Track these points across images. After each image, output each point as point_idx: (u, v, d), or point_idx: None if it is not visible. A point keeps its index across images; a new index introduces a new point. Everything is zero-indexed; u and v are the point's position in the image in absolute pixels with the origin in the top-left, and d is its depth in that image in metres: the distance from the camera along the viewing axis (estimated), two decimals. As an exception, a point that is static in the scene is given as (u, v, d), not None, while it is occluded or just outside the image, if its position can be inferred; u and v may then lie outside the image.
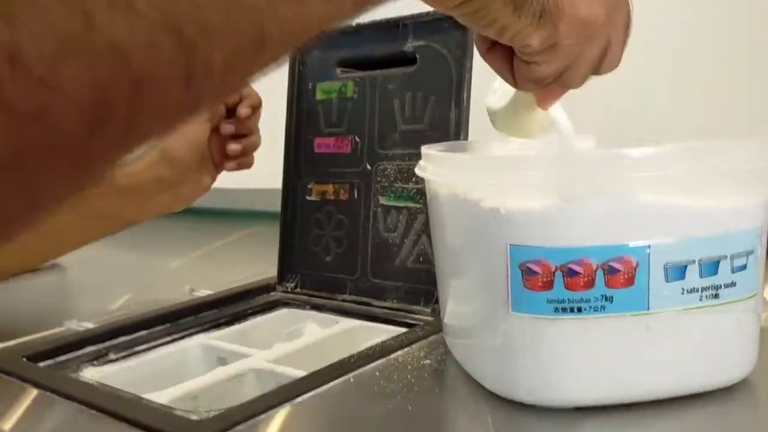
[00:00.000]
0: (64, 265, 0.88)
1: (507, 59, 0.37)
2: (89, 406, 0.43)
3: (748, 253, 0.37)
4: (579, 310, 0.36)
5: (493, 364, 0.40)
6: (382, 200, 0.64)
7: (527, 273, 0.36)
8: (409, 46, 0.61)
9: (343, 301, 0.66)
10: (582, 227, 0.35)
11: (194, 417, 0.40)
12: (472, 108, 0.58)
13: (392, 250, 0.63)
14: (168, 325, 0.61)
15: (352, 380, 0.44)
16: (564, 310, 0.36)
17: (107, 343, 0.56)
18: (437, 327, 0.53)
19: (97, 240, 0.67)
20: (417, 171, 0.45)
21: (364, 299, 0.64)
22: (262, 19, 0.19)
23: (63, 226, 0.64)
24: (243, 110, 0.65)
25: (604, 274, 0.35)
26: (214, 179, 0.70)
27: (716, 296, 0.37)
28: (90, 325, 0.60)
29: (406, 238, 0.62)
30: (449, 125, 0.59)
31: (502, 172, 0.36)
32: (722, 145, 0.36)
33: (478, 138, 0.59)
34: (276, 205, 0.73)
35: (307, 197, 0.70)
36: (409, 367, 0.46)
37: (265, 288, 0.70)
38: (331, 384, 0.44)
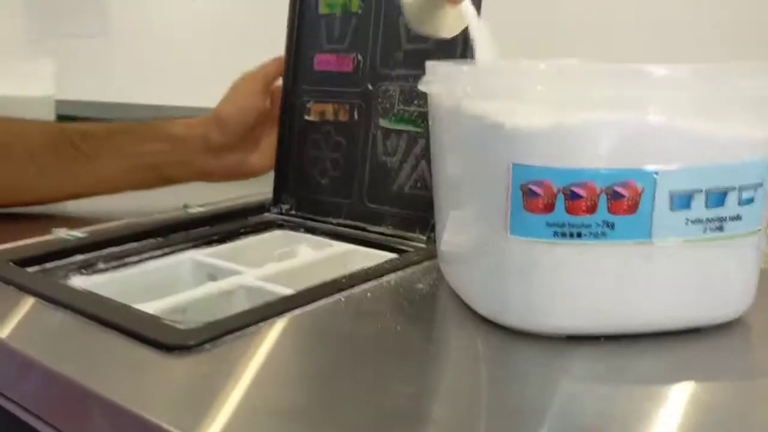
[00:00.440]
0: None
1: None
2: (76, 312, 0.42)
3: (757, 186, 0.36)
4: (579, 235, 0.35)
5: (486, 289, 0.39)
6: (383, 123, 0.62)
7: (529, 194, 0.35)
8: (418, -42, 0.58)
9: (338, 225, 0.65)
10: (589, 148, 0.34)
11: (181, 326, 0.40)
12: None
13: (390, 175, 0.62)
14: (160, 239, 0.60)
15: (342, 299, 0.43)
16: (563, 234, 0.35)
17: (96, 253, 0.55)
18: (431, 254, 0.52)
19: (133, 190, 0.68)
20: (420, 86, 0.43)
21: (359, 224, 0.63)
22: None
23: (105, 164, 0.65)
24: None
25: (608, 198, 0.34)
26: (262, 163, 0.71)
27: (720, 229, 0.36)
28: (80, 235, 0.59)
29: (405, 163, 0.61)
30: (456, 45, 0.57)
31: (510, 85, 0.35)
32: (743, 68, 0.35)
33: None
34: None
35: (306, 117, 0.68)
36: (401, 290, 0.45)
37: (259, 208, 0.69)
38: (321, 302, 0.43)
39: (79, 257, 0.55)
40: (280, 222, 0.67)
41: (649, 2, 0.64)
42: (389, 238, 0.60)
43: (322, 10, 0.66)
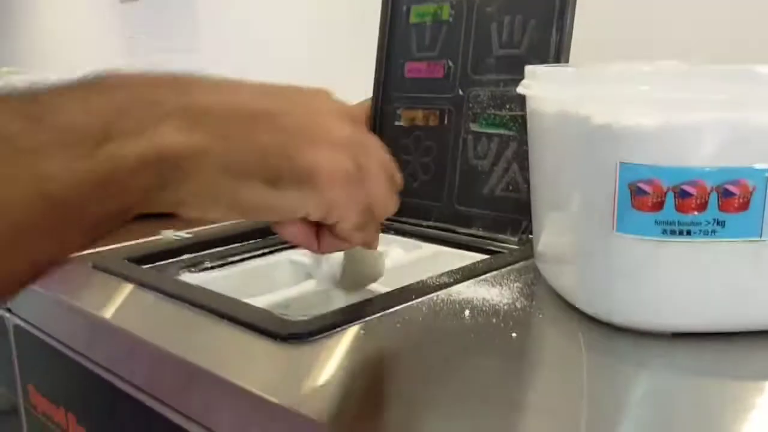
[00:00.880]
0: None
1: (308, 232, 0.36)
2: (193, 304, 0.45)
3: None
4: (688, 233, 0.35)
5: (589, 285, 0.40)
6: (474, 127, 0.63)
7: (637, 192, 0.35)
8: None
9: (428, 227, 0.66)
10: (698, 147, 0.34)
11: (291, 319, 0.42)
12: (575, 32, 0.56)
13: (481, 178, 0.63)
14: (259, 239, 0.63)
15: (440, 297, 0.45)
16: (673, 232, 0.35)
17: (203, 252, 0.59)
18: (526, 254, 0.53)
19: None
20: (520, 89, 0.44)
21: (449, 226, 0.64)
22: None
23: None
24: None
25: (719, 197, 0.34)
26: None
27: (836, 228, 0.35)
28: (186, 235, 0.62)
29: (496, 166, 0.62)
30: (549, 50, 0.57)
31: (616, 86, 0.35)
32: None
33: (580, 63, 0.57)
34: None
35: (396, 122, 0.70)
36: (499, 288, 0.46)
37: (350, 211, 0.71)
38: (420, 299, 0.44)
39: (187, 256, 0.58)
40: (370, 225, 0.69)
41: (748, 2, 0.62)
42: (479, 239, 0.61)
43: (413, 19, 0.68)
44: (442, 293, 0.45)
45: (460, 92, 0.64)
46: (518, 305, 0.43)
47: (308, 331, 0.39)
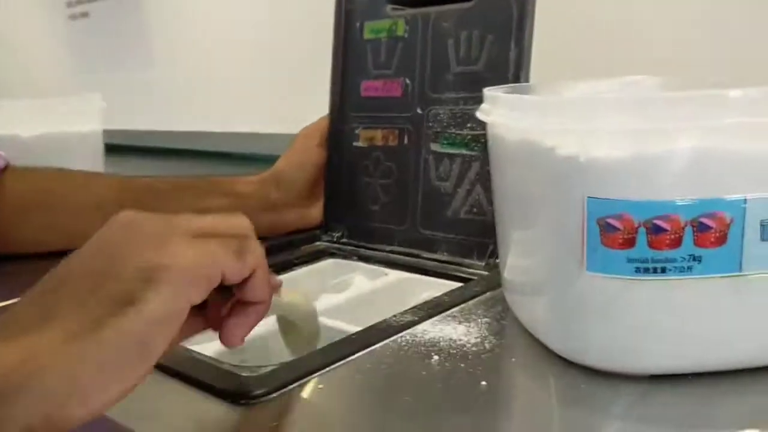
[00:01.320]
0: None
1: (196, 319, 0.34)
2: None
3: None
4: (663, 270, 0.33)
5: (560, 325, 0.38)
6: (434, 147, 0.61)
7: (606, 228, 0.33)
8: (467, -20, 0.57)
9: (391, 252, 0.63)
10: (670, 179, 0.32)
11: (245, 373, 0.39)
12: (534, 48, 0.54)
13: (444, 200, 0.60)
14: (213, 274, 0.59)
15: (405, 339, 0.42)
16: (646, 270, 0.33)
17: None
18: (494, 282, 0.50)
19: None
20: (479, 115, 0.42)
21: (414, 251, 0.62)
22: None
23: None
24: None
25: (694, 231, 0.32)
26: (322, 217, 0.70)
27: (816, 257, 0.33)
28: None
29: (459, 188, 0.59)
30: (508, 67, 0.55)
31: (582, 115, 0.33)
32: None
33: (540, 81, 0.55)
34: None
35: (355, 143, 0.67)
36: (465, 325, 0.44)
37: (310, 237, 0.68)
38: (383, 342, 0.42)
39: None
40: (332, 250, 0.66)
41: (715, 14, 0.61)
42: (445, 264, 0.59)
43: (367, 35, 0.65)
44: (406, 334, 0.42)
45: (419, 111, 0.62)
46: (487, 345, 0.40)
47: (263, 390, 0.36)
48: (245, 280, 0.33)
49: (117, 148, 1.17)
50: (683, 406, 0.33)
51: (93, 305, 0.27)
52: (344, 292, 0.57)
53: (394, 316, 0.45)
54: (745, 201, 0.32)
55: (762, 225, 0.32)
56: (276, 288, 0.38)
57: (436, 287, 0.56)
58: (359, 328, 0.45)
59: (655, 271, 0.33)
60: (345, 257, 0.65)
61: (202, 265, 0.30)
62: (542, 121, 0.34)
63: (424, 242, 0.61)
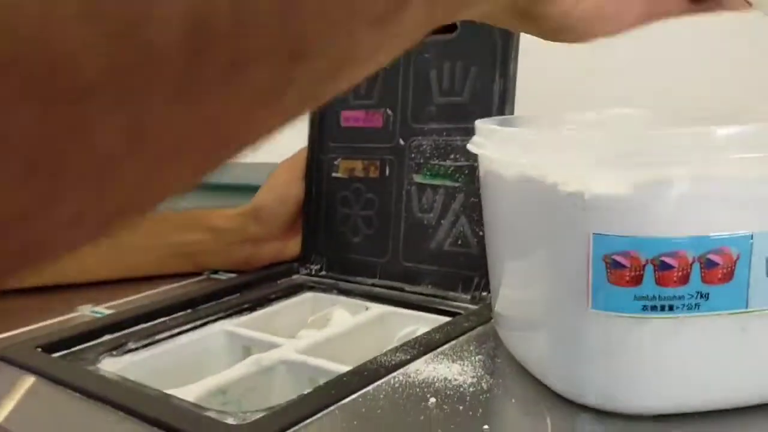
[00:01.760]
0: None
1: None
2: (114, 405, 0.39)
3: None
4: (671, 308, 0.32)
5: (561, 364, 0.36)
6: (417, 178, 0.60)
7: (613, 266, 0.32)
8: (452, 11, 0.57)
9: (373, 285, 0.62)
10: (677, 214, 0.31)
11: (231, 420, 0.37)
12: (518, 79, 0.53)
13: (427, 232, 0.59)
14: (189, 311, 0.57)
15: (398, 379, 0.40)
16: (654, 308, 0.32)
17: (126, 331, 0.52)
18: (483, 317, 0.49)
19: (163, 275, 0.66)
20: (471, 147, 0.41)
21: (396, 284, 0.60)
22: None
23: (138, 251, 0.63)
24: None
25: (701, 267, 0.31)
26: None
27: (818, 292, 0.33)
28: (106, 312, 0.56)
29: (443, 220, 0.58)
30: (492, 98, 0.55)
31: (584, 151, 0.32)
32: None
33: (525, 113, 0.54)
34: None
35: (334, 174, 0.66)
36: (458, 363, 0.42)
37: (288, 271, 0.66)
38: (376, 384, 0.40)
39: (108, 337, 0.51)
40: (310, 284, 0.64)
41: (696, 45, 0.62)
42: (429, 298, 0.58)
43: (349, 64, 0.64)
44: (399, 374, 0.41)
45: (401, 142, 0.61)
46: (484, 385, 0.39)
47: (252, 438, 0.34)
48: None
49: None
50: (692, 448, 0.33)
51: None
52: (325, 329, 0.55)
53: (385, 354, 0.43)
54: (751, 237, 0.31)
55: None
56: None
57: (421, 321, 0.55)
58: (345, 367, 0.43)
59: (662, 308, 0.32)
60: (324, 291, 0.63)
61: None
62: (542, 156, 0.33)
63: (407, 275, 0.60)
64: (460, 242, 0.57)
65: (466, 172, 0.57)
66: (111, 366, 0.48)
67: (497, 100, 0.55)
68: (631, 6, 0.32)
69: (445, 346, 0.45)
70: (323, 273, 0.65)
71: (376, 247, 0.62)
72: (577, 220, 0.32)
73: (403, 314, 0.57)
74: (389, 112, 0.62)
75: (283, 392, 0.47)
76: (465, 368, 0.41)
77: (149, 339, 0.52)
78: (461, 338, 0.46)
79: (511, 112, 0.55)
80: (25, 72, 0.11)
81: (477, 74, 0.56)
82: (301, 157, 0.68)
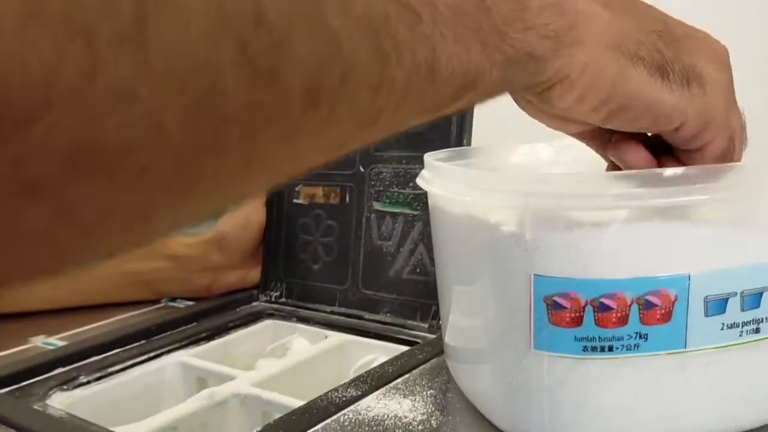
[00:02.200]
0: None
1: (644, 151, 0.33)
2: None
3: (792, 283, 0.34)
4: (610, 349, 0.32)
5: (506, 402, 0.36)
6: (377, 205, 0.60)
7: (553, 307, 0.32)
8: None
9: (332, 313, 0.61)
10: (615, 256, 0.32)
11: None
12: (476, 110, 0.54)
13: (386, 260, 0.59)
14: (143, 341, 0.56)
15: (348, 417, 0.40)
16: (594, 349, 0.32)
17: (78, 364, 0.51)
18: (438, 347, 0.49)
19: (122, 302, 0.65)
20: (419, 182, 0.41)
21: (355, 312, 0.60)
22: (435, 51, 0.20)
23: (95, 279, 0.63)
24: None
25: (640, 309, 0.32)
26: None
27: (757, 330, 0.33)
28: (59, 343, 0.55)
29: (402, 247, 0.58)
30: (451, 128, 0.55)
31: (525, 191, 0.32)
32: (764, 165, 0.33)
33: (482, 142, 0.55)
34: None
35: (295, 200, 0.66)
36: (410, 399, 0.42)
37: (247, 298, 0.66)
38: (326, 422, 0.40)
39: (60, 370, 0.50)
40: (270, 311, 0.64)
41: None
42: (388, 326, 0.57)
43: (308, 92, 0.64)
44: (349, 411, 0.41)
45: (361, 169, 0.61)
46: (434, 423, 0.39)
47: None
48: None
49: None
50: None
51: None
52: (284, 358, 0.55)
53: (336, 390, 0.43)
54: (689, 278, 0.32)
55: (706, 301, 0.32)
56: None
57: (380, 350, 0.55)
58: (299, 402, 0.43)
59: (602, 349, 0.32)
60: (284, 318, 0.63)
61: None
62: (485, 195, 0.34)
63: (366, 303, 0.60)
64: (418, 270, 0.57)
65: (425, 200, 0.57)
66: (60, 402, 0.47)
67: (455, 129, 0.55)
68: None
69: (398, 380, 0.45)
70: (283, 300, 0.65)
71: (335, 275, 0.62)
72: (519, 261, 0.32)
73: (361, 343, 0.57)
74: (349, 139, 0.62)
75: (236, 428, 0.47)
76: (416, 404, 0.41)
77: (101, 372, 0.51)
78: (414, 371, 0.46)
79: (469, 142, 0.55)
80: (189, 97, 0.14)
81: (434, 103, 0.56)
82: None
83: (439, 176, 0.39)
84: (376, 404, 0.41)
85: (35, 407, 0.45)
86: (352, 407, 0.41)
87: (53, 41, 0.11)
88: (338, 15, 0.16)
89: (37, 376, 0.50)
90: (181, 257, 0.66)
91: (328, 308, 0.62)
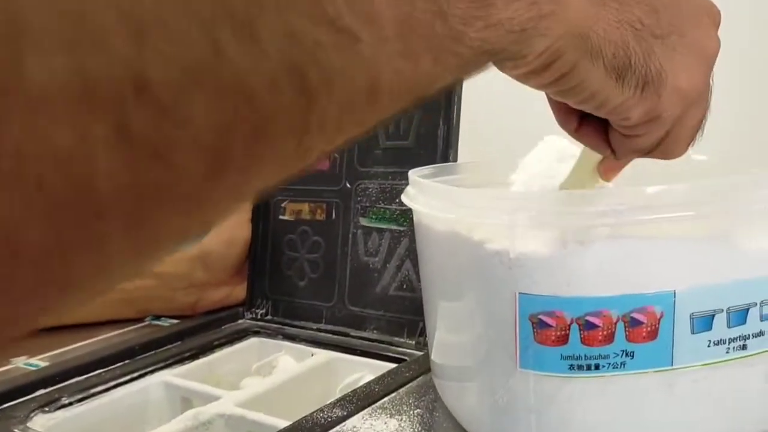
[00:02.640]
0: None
1: (601, 132, 0.32)
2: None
3: (778, 299, 0.34)
4: (596, 367, 0.32)
5: (493, 421, 0.36)
6: (363, 221, 0.60)
7: (539, 325, 0.32)
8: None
9: (318, 330, 0.61)
10: (600, 274, 0.31)
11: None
12: (462, 126, 0.54)
13: (373, 276, 0.59)
14: (127, 361, 0.55)
15: (335, 436, 0.39)
16: (580, 367, 0.32)
17: (61, 385, 0.51)
18: (424, 365, 0.49)
19: (106, 320, 0.64)
20: (404, 199, 0.41)
21: (342, 329, 0.60)
22: (378, 73, 0.17)
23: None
24: None
25: (626, 326, 0.31)
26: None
27: (744, 347, 0.33)
28: (41, 364, 0.54)
29: (389, 264, 0.58)
30: (437, 143, 0.55)
31: (511, 210, 0.32)
32: (749, 181, 0.33)
33: (468, 158, 0.55)
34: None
35: (281, 216, 0.65)
36: (396, 418, 0.41)
37: (233, 315, 0.65)
38: (313, 441, 0.39)
39: (42, 392, 0.50)
40: (255, 329, 0.63)
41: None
42: (374, 343, 0.57)
43: (294, 108, 0.64)
44: (336, 430, 0.40)
45: (348, 185, 0.61)
46: (419, 442, 0.38)
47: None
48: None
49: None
50: None
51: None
52: (269, 377, 0.54)
53: (322, 410, 0.42)
54: (674, 294, 0.31)
55: (692, 318, 0.32)
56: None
57: (366, 368, 0.54)
58: (284, 422, 0.42)
59: (588, 368, 0.32)
60: (269, 336, 0.62)
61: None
62: (469, 212, 0.33)
63: (353, 320, 0.59)
64: (405, 286, 0.57)
65: (411, 216, 0.57)
66: (42, 424, 0.46)
67: (441, 144, 0.55)
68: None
69: (385, 399, 0.44)
70: (269, 317, 0.64)
71: (321, 291, 0.62)
72: (504, 279, 0.32)
73: (348, 361, 0.56)
74: (336, 155, 0.61)
75: (220, 448, 0.46)
76: (402, 424, 0.41)
77: (84, 393, 0.50)
78: (401, 390, 0.46)
79: (455, 158, 0.55)
80: (49, 195, 0.11)
81: (421, 119, 0.56)
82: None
83: (423, 193, 0.38)
84: (362, 424, 0.41)
85: (16, 430, 0.44)
86: (337, 428, 0.40)
87: None
88: (246, 58, 0.14)
89: (19, 398, 0.49)
90: (164, 275, 0.66)
91: (315, 325, 0.61)
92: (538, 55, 0.25)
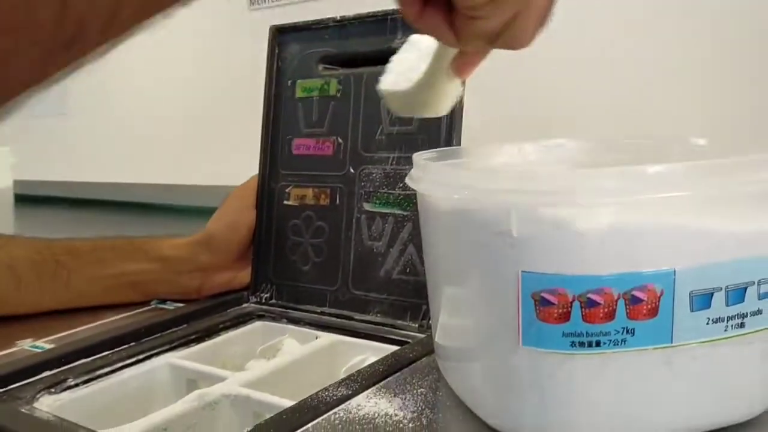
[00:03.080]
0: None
1: (444, 17, 0.32)
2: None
3: (776, 278, 0.34)
4: (598, 344, 0.32)
5: (495, 398, 0.37)
6: (367, 206, 0.60)
7: (541, 303, 0.32)
8: (398, 42, 0.57)
9: (322, 314, 0.61)
10: (601, 252, 0.32)
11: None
12: (465, 110, 0.54)
13: (376, 260, 0.59)
14: (133, 343, 0.56)
15: (338, 416, 0.40)
16: (581, 344, 0.32)
17: (66, 367, 0.51)
18: (428, 346, 0.49)
19: (112, 304, 0.64)
20: (408, 182, 0.41)
21: (345, 312, 0.60)
22: None
23: (83, 281, 0.62)
24: None
25: (626, 304, 0.32)
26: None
27: (742, 325, 0.34)
28: (46, 346, 0.54)
29: (392, 248, 0.58)
30: (440, 128, 0.55)
31: (512, 189, 0.32)
32: (748, 162, 0.33)
33: (471, 142, 0.55)
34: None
35: (285, 201, 0.66)
36: (400, 397, 0.42)
37: (237, 299, 0.66)
38: (316, 421, 0.40)
39: (48, 373, 0.50)
40: (260, 312, 0.64)
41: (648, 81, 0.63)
42: (378, 326, 0.58)
43: (299, 94, 0.64)
44: (340, 410, 0.41)
45: (351, 170, 0.61)
46: (424, 420, 0.39)
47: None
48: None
49: (28, 199, 1.12)
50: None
51: None
52: (274, 359, 0.55)
53: (327, 389, 0.43)
54: (674, 273, 0.32)
55: (691, 296, 0.32)
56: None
57: (370, 350, 0.55)
58: (290, 402, 0.43)
59: (590, 345, 0.32)
60: (274, 319, 0.63)
61: None
62: (473, 193, 0.34)
63: (357, 303, 0.60)
64: (408, 270, 0.57)
65: (415, 200, 0.57)
66: (48, 405, 0.47)
67: (444, 129, 0.55)
68: None
69: (389, 379, 0.45)
70: (273, 301, 0.65)
71: (325, 276, 0.62)
72: (506, 258, 0.33)
73: (352, 343, 0.57)
74: (340, 140, 0.62)
75: (226, 428, 0.47)
76: (406, 402, 0.41)
77: (90, 374, 0.51)
78: (405, 370, 0.46)
79: (458, 142, 0.55)
80: None
81: (423, 104, 0.56)
82: (253, 184, 0.68)
83: (428, 175, 0.39)
84: (367, 403, 0.41)
85: (23, 410, 0.45)
86: (342, 406, 0.41)
87: None
88: None
89: (25, 379, 0.49)
90: (169, 258, 0.66)
91: (319, 309, 0.62)
92: None
